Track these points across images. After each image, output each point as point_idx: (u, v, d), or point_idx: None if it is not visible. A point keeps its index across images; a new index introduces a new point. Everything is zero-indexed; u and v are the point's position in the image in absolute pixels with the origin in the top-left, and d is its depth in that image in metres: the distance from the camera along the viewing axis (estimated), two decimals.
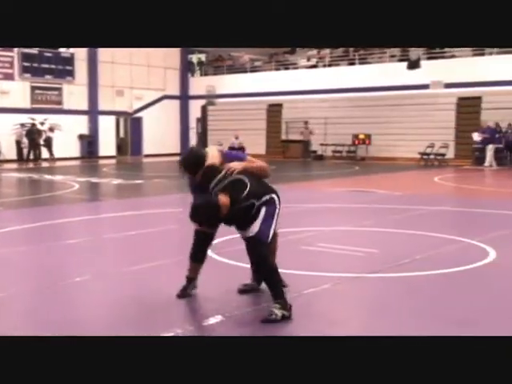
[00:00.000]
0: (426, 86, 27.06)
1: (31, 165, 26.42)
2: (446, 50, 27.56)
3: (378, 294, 5.93)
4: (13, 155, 27.56)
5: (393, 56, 29.37)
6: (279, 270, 5.02)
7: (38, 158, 27.88)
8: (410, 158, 25.98)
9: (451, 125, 26.77)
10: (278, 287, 4.97)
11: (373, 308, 5.47)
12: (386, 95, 28.04)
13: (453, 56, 27.36)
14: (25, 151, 27.96)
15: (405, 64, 27.91)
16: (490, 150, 23.48)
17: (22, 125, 27.90)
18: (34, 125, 28.03)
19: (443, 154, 25.07)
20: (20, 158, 27.69)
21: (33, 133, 27.75)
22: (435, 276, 6.42)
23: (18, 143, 27.89)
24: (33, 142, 27.78)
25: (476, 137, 23.90)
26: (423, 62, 27.56)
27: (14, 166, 25.39)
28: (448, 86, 26.58)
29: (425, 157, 25.26)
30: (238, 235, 5.15)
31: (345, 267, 6.79)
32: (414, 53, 27.88)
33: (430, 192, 15.00)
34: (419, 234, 8.81)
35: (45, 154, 28.28)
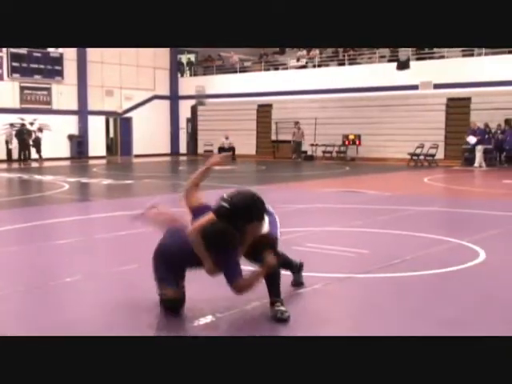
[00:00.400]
0: (415, 87, 27.17)
1: (21, 165, 26.32)
2: (436, 50, 27.67)
3: (368, 294, 5.93)
4: (2, 155, 27.43)
5: (382, 57, 29.46)
6: None
7: (27, 158, 27.76)
8: (400, 158, 26.04)
9: (441, 125, 26.89)
10: (280, 286, 5.04)
11: (363, 308, 5.47)
12: (376, 96, 28.12)
13: (442, 57, 27.47)
14: (14, 151, 27.83)
15: (394, 65, 28.02)
16: (479, 150, 23.57)
17: (12, 125, 27.77)
18: (23, 125, 27.90)
19: (433, 155, 25.16)
20: (9, 159, 27.56)
21: (23, 133, 27.63)
22: (425, 276, 6.44)
23: (7, 143, 27.76)
24: (23, 142, 27.66)
25: (472, 140, 23.84)
26: (412, 63, 27.67)
27: (3, 166, 25.26)
28: (437, 86, 26.69)
29: (414, 157, 25.33)
30: None
31: (335, 267, 6.80)
32: (404, 53, 27.99)
33: (420, 192, 15.05)
34: (409, 234, 8.84)
35: (34, 154, 28.15)
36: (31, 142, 28.00)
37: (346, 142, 28.09)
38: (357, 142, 27.91)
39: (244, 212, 4.75)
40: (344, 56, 30.63)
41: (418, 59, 28.01)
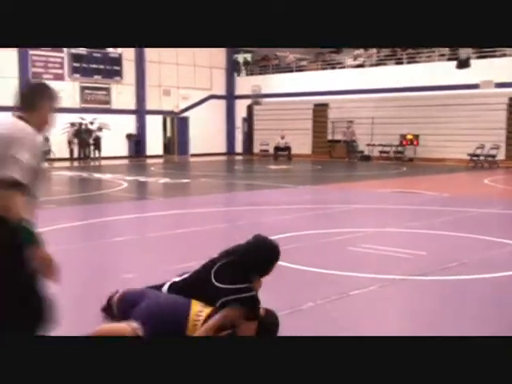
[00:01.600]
0: (475, 86, 26.58)
1: (81, 163, 26.89)
2: (497, 48, 27.02)
3: (424, 296, 5.84)
4: (64, 154, 28.03)
5: (442, 55, 28.93)
6: (326, 271, 4.99)
7: (87, 156, 28.34)
8: (460, 159, 25.54)
9: (502, 125, 26.24)
10: None
11: (419, 310, 5.38)
12: (435, 95, 27.63)
13: (504, 55, 26.79)
14: (75, 150, 28.46)
15: (454, 63, 27.47)
16: None
17: (73, 124, 28.39)
18: (84, 124, 28.48)
19: (494, 156, 24.57)
20: (71, 157, 28.18)
21: (80, 132, 28.22)
22: (484, 280, 6.29)
23: (70, 143, 28.38)
24: (83, 141, 28.27)
25: None
26: (473, 61, 27.07)
27: (65, 164, 25.84)
28: (498, 85, 26.05)
29: (474, 158, 24.80)
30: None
31: (392, 269, 6.71)
32: (464, 52, 27.41)
33: (480, 194, 14.72)
34: (468, 236, 8.65)
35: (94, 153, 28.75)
36: (92, 141, 28.57)
37: (404, 142, 27.70)
38: (415, 142, 27.50)
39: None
40: (402, 55, 30.23)
41: (478, 57, 27.40)
